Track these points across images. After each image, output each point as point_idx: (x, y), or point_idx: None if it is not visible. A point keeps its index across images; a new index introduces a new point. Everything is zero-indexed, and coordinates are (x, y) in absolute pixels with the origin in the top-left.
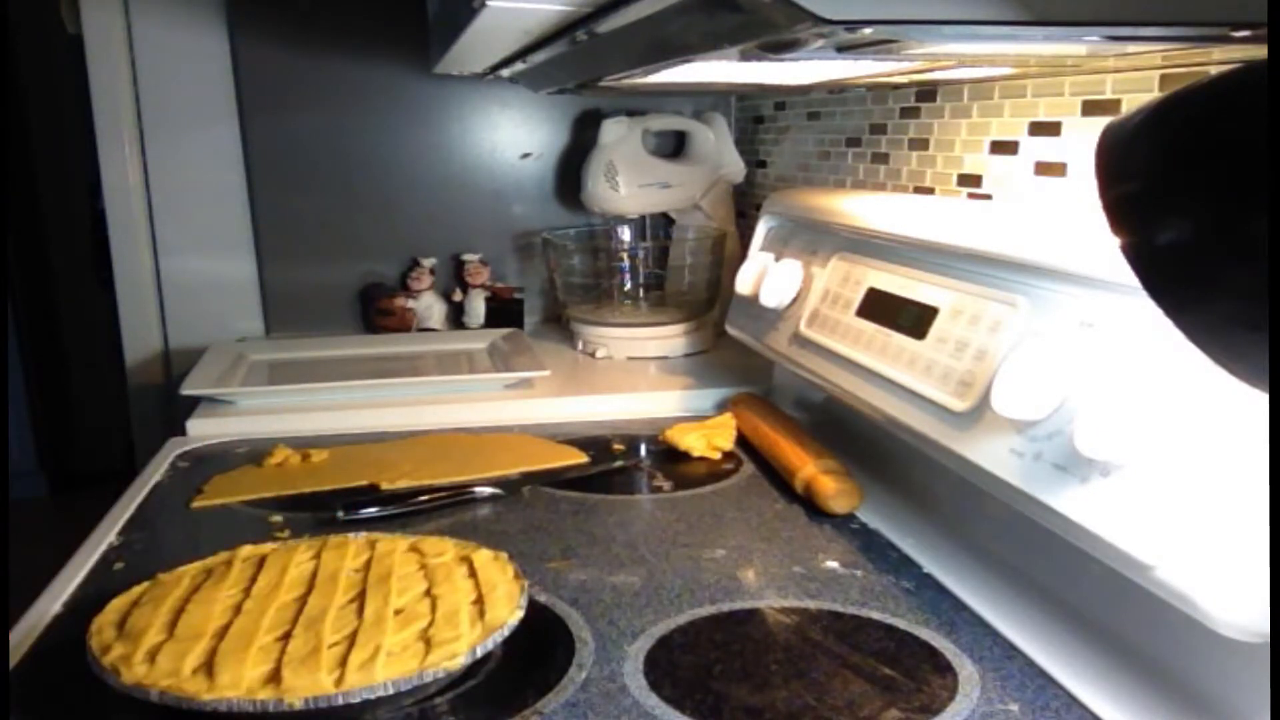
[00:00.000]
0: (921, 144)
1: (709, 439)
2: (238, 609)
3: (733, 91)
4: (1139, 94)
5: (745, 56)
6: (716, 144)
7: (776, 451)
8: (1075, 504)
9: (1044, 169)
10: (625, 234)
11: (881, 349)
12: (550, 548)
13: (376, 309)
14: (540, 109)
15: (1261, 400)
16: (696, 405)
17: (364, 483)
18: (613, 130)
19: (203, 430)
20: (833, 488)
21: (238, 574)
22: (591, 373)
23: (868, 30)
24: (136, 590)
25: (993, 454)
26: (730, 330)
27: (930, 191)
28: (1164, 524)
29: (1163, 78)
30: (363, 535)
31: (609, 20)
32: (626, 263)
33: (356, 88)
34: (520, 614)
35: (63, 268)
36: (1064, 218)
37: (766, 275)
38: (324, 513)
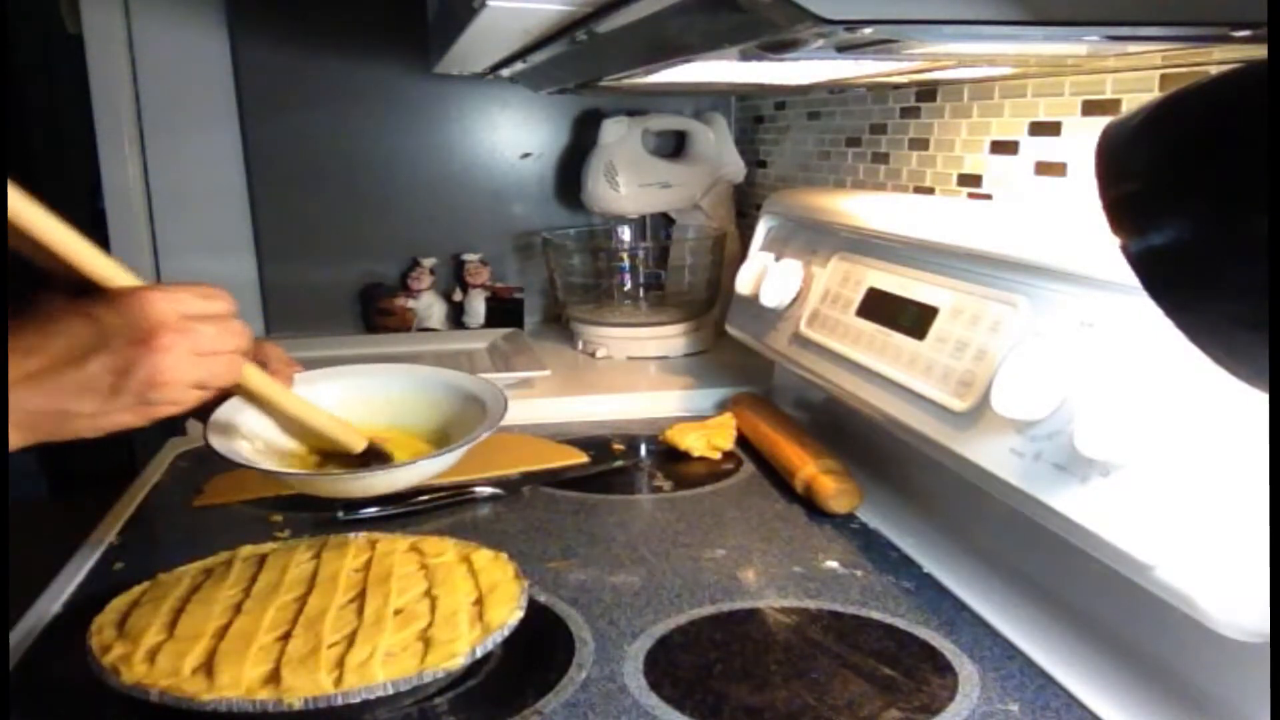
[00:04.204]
0: (921, 144)
1: (709, 439)
2: (238, 609)
3: (733, 91)
4: (1139, 94)
5: (745, 56)
6: (716, 144)
7: (776, 451)
8: (1075, 504)
9: (1044, 169)
10: (625, 234)
11: (881, 349)
12: (550, 548)
13: (376, 309)
14: (540, 109)
15: (1261, 400)
16: (696, 405)
17: None
18: (613, 130)
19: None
20: (833, 488)
21: (238, 574)
22: (591, 373)
23: (868, 30)
24: (136, 590)
25: (993, 454)
26: (730, 330)
27: (930, 191)
28: (1164, 524)
29: (1163, 78)
30: (363, 535)
31: (609, 20)
32: (626, 263)
33: (356, 88)
34: (520, 614)
35: None
36: (1064, 218)
37: (766, 275)
38: (324, 513)
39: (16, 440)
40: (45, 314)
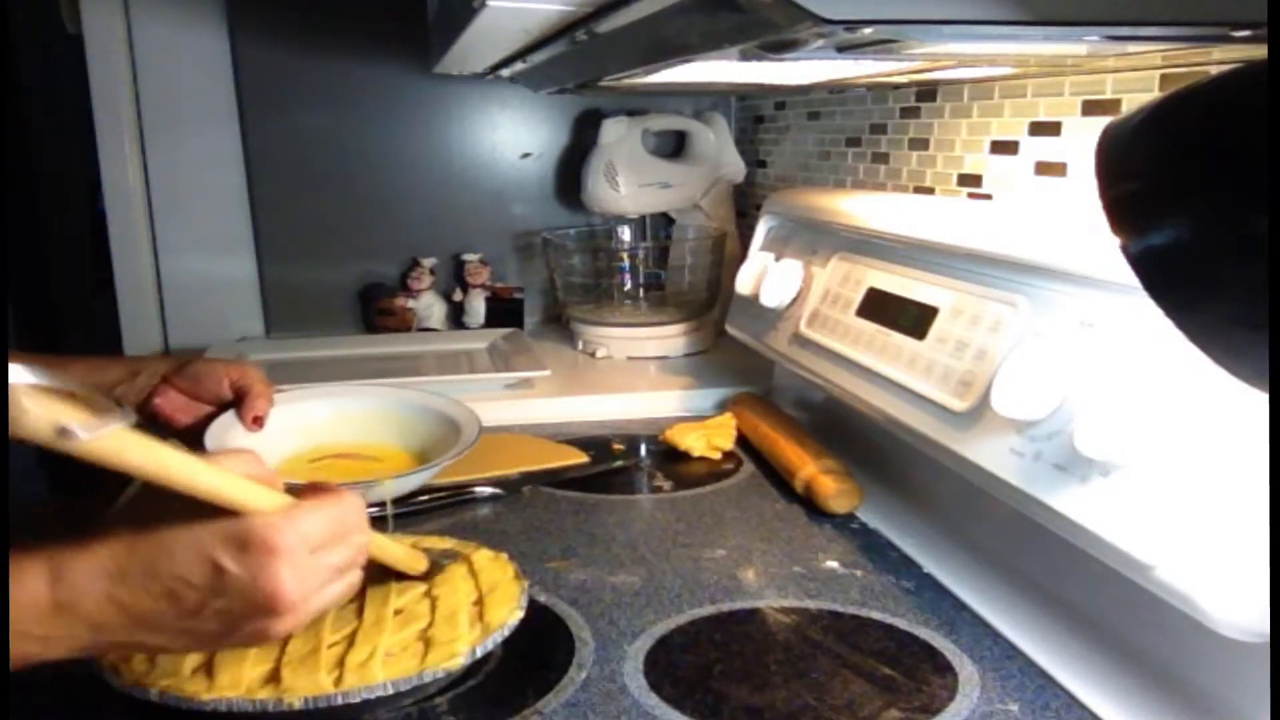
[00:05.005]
0: (921, 144)
1: (709, 439)
2: None
3: (733, 91)
4: (1139, 94)
5: (745, 56)
6: (716, 144)
7: (776, 451)
8: (1075, 504)
9: (1044, 169)
10: (625, 234)
11: (881, 349)
12: (550, 548)
13: (376, 309)
14: (540, 109)
15: (1261, 400)
16: (696, 405)
17: None
18: (613, 130)
19: None
20: (833, 488)
21: None
22: (591, 373)
23: (868, 30)
24: None
25: (993, 454)
26: (730, 330)
27: (930, 191)
28: (1164, 524)
29: (1163, 78)
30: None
31: (609, 20)
32: (626, 263)
33: (356, 88)
34: (520, 614)
35: (63, 268)
36: (1064, 218)
37: (766, 275)
38: None
39: (86, 654)
40: (158, 539)
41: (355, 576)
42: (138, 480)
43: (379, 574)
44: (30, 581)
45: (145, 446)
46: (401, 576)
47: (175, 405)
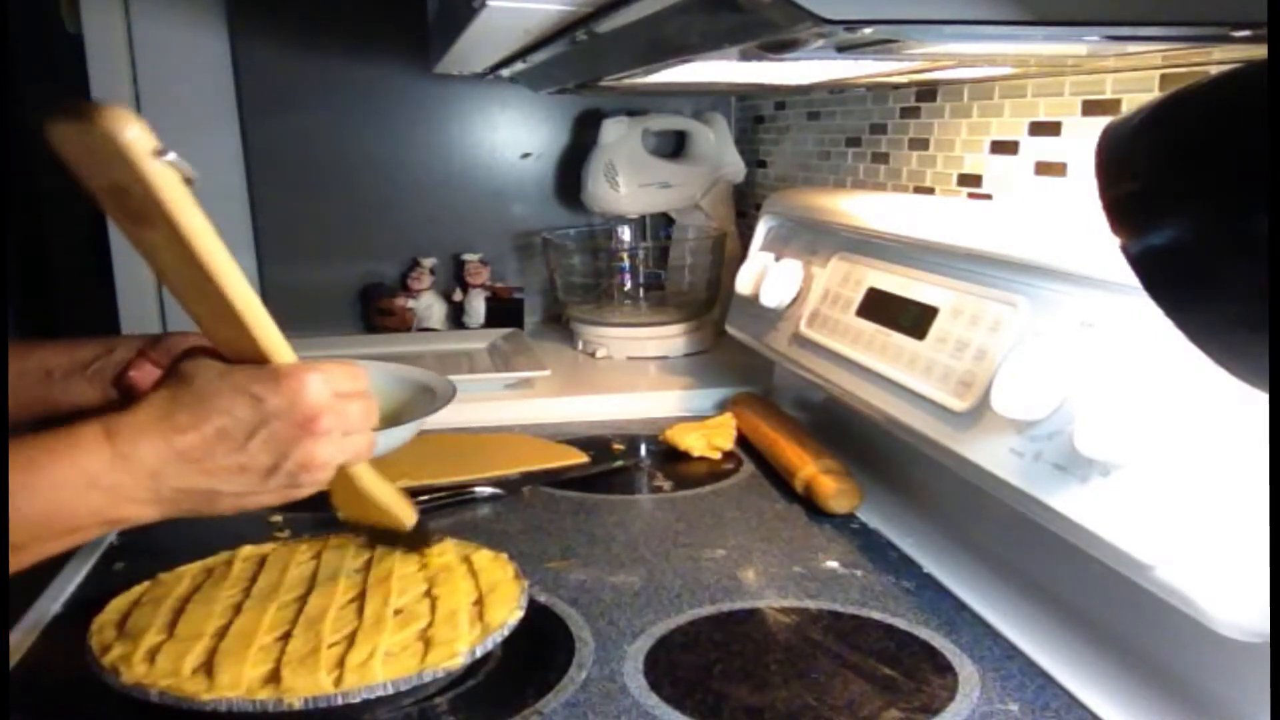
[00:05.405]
0: (921, 144)
1: (709, 439)
2: (238, 609)
3: (733, 91)
4: (1139, 94)
5: (745, 56)
6: (716, 144)
7: (776, 451)
8: (1075, 504)
9: (1044, 169)
10: (625, 234)
11: (881, 349)
12: (550, 548)
13: (376, 309)
14: (540, 109)
15: (1261, 400)
16: (696, 405)
17: None
18: (613, 130)
19: None
20: (833, 488)
21: (238, 574)
22: (591, 373)
23: (868, 30)
24: (136, 590)
25: (993, 454)
26: (730, 330)
27: (930, 191)
28: (1164, 524)
29: (1163, 78)
30: (363, 535)
31: (609, 20)
32: (626, 263)
33: (356, 88)
34: (520, 614)
35: (63, 268)
36: (1064, 218)
37: (766, 275)
38: (324, 513)
39: (153, 514)
40: (199, 388)
41: (370, 438)
42: None
43: (379, 574)
44: (88, 438)
45: (204, 221)
46: (388, 537)
47: (150, 378)
